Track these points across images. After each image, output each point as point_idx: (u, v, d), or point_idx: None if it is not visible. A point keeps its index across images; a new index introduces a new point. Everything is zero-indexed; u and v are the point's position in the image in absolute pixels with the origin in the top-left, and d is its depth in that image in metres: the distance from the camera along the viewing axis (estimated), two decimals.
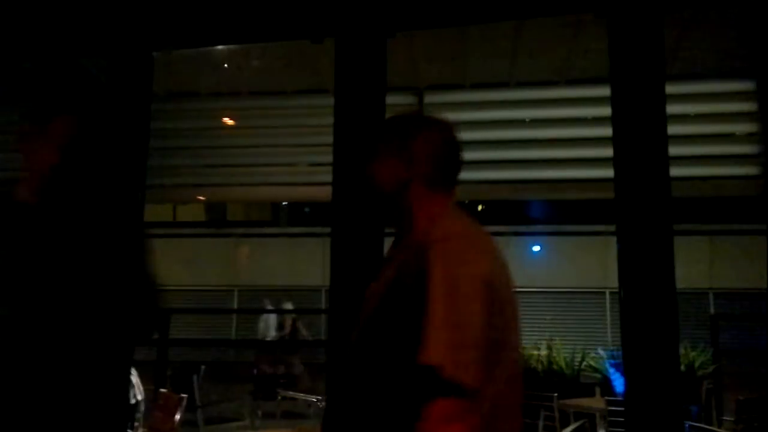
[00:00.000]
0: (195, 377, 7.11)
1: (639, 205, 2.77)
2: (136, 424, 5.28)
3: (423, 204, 1.64)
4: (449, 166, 1.72)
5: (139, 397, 5.45)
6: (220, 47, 5.41)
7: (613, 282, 3.08)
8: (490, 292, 1.46)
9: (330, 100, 3.37)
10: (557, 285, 11.52)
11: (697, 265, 10.58)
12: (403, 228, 1.66)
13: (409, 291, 1.46)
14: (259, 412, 7.84)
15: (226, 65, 6.37)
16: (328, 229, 3.01)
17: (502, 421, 1.51)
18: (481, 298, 1.44)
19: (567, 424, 6.10)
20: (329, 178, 3.31)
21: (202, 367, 8.35)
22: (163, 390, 5.72)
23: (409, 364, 1.40)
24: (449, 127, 1.78)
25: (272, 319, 11.22)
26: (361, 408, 1.52)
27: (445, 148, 1.73)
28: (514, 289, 1.62)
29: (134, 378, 5.38)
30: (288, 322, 10.94)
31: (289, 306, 11.77)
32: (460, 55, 6.69)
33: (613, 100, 2.95)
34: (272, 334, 11.06)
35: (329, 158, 3.35)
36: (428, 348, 1.37)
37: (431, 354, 1.37)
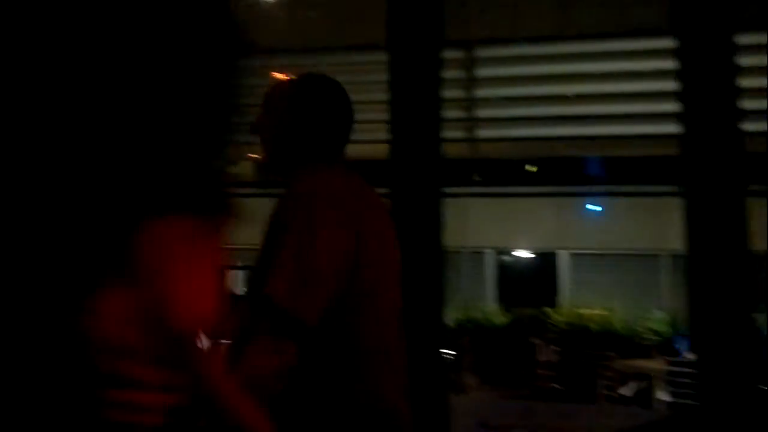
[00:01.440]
0: None
1: (708, 163, 2.63)
2: None
3: (307, 164, 1.65)
4: (337, 127, 1.70)
5: None
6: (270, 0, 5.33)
7: (671, 244, 2.95)
8: (350, 232, 1.52)
9: (383, 56, 3.30)
10: (612, 247, 11.26)
11: None
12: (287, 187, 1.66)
13: (270, 237, 1.56)
14: None
15: (278, 17, 6.29)
16: (383, 190, 2.95)
17: (387, 374, 1.59)
18: (334, 239, 1.50)
19: (623, 385, 6.07)
20: (383, 135, 3.25)
21: None
22: None
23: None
24: (337, 88, 1.74)
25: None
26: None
27: (333, 110, 1.70)
28: (393, 242, 1.67)
29: None
30: None
31: None
32: (511, 6, 6.48)
33: (678, 52, 2.78)
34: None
35: (383, 115, 3.28)
36: (268, 279, 1.47)
37: (269, 283, 1.47)
